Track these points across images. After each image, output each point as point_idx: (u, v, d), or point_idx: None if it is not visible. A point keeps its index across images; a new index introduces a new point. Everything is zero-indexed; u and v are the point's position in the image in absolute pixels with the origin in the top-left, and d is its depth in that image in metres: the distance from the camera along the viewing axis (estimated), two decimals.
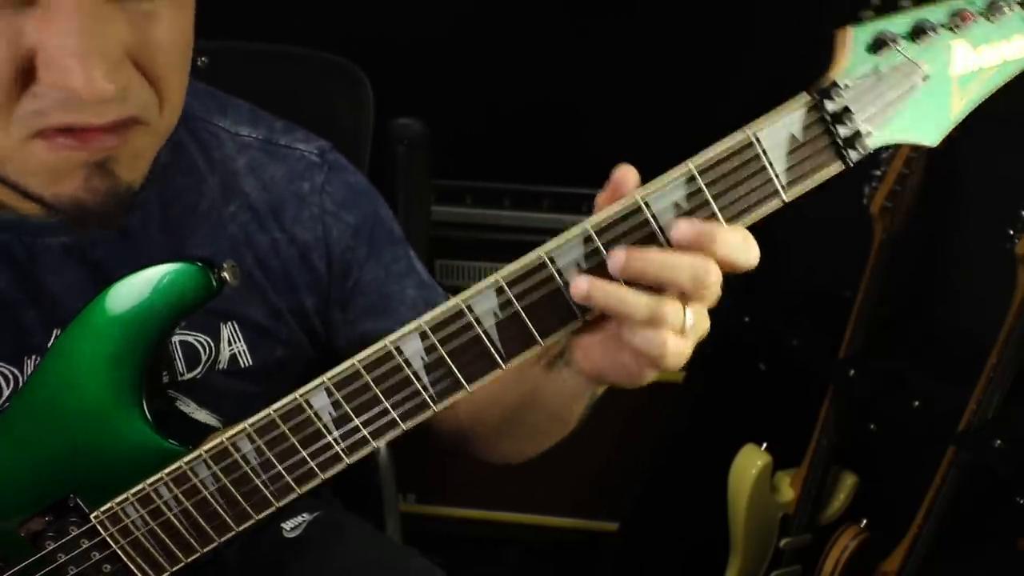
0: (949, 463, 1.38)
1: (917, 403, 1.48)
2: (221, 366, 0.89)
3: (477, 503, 2.00)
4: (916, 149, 1.47)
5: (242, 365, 0.90)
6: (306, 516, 1.04)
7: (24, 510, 0.77)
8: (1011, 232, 1.29)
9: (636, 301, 0.65)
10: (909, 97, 0.63)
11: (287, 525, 1.03)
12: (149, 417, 0.76)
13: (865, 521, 1.59)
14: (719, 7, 1.83)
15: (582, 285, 0.65)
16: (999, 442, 1.33)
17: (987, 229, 1.37)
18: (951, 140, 1.62)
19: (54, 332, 0.83)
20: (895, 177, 1.49)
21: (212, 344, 0.88)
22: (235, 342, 0.89)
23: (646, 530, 1.86)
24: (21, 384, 0.83)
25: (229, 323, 0.89)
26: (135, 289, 0.74)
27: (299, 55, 1.32)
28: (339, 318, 0.95)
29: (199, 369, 0.88)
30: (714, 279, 0.65)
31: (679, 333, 0.67)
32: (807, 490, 1.62)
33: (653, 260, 0.64)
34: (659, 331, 0.66)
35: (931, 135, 0.65)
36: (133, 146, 0.73)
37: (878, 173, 1.52)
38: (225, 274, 0.74)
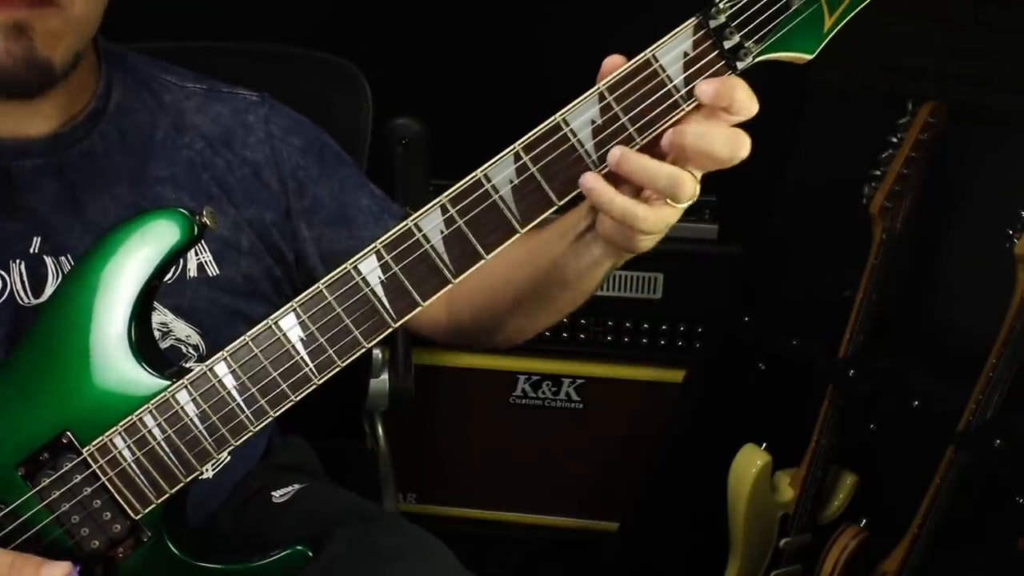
0: (949, 463, 1.38)
1: (917, 403, 1.48)
2: (191, 274, 0.97)
3: (477, 503, 2.00)
4: (916, 148, 1.47)
5: (210, 274, 0.98)
6: (296, 486, 1.09)
7: (22, 450, 0.81)
8: (1011, 232, 1.29)
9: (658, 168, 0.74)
10: (783, 15, 0.73)
11: (277, 493, 1.08)
12: (139, 355, 0.81)
13: (864, 521, 1.59)
14: None
15: (616, 152, 0.74)
16: (999, 442, 1.32)
17: (987, 229, 1.37)
18: (951, 140, 1.61)
19: (35, 239, 0.92)
20: (895, 177, 1.49)
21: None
22: (201, 253, 0.97)
23: (646, 530, 1.86)
24: (9, 286, 0.91)
25: None
26: (123, 239, 0.81)
27: (298, 55, 1.32)
28: (306, 235, 1.02)
29: (169, 276, 0.95)
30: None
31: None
32: (807, 490, 1.62)
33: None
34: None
35: (808, 49, 0.74)
36: (48, 23, 0.83)
37: (878, 173, 1.52)
38: (205, 220, 0.82)
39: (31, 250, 0.92)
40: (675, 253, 1.76)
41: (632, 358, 1.86)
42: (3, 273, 0.92)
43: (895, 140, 1.50)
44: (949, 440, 1.38)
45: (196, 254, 0.97)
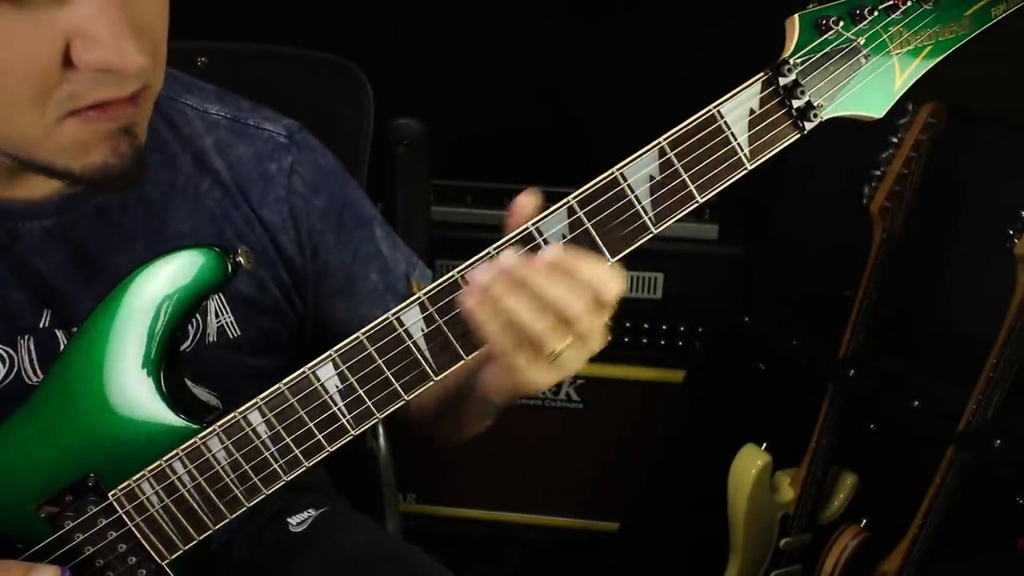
0: (949, 463, 1.38)
1: (917, 403, 1.48)
2: (211, 339, 0.91)
3: (477, 503, 2.00)
4: (916, 148, 1.47)
5: (231, 336, 0.92)
6: (312, 512, 1.06)
7: (44, 492, 0.79)
8: (1011, 232, 1.29)
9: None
10: (854, 73, 0.72)
11: (293, 520, 1.05)
12: (166, 397, 0.78)
13: (864, 521, 1.59)
14: (717, 9, 1.83)
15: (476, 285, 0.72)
16: (999, 442, 1.33)
17: (987, 229, 1.37)
18: (951, 140, 1.60)
19: (44, 312, 0.86)
20: (895, 177, 1.49)
21: (199, 318, 0.91)
22: (222, 314, 0.92)
23: (646, 530, 1.86)
24: (16, 364, 0.86)
25: (215, 296, 0.91)
26: (153, 277, 0.77)
27: (299, 55, 1.32)
28: (314, 295, 0.98)
29: (188, 343, 0.90)
30: (580, 306, 0.73)
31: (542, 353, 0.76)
32: (807, 490, 1.63)
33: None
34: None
35: (877, 108, 0.74)
36: (144, 109, 0.77)
37: (878, 173, 1.52)
38: (240, 259, 0.77)
39: (41, 324, 0.86)
40: (675, 253, 1.76)
41: (632, 358, 1.86)
42: (9, 350, 0.86)
43: (895, 140, 1.50)
44: (949, 440, 1.38)
45: (217, 316, 0.91)
